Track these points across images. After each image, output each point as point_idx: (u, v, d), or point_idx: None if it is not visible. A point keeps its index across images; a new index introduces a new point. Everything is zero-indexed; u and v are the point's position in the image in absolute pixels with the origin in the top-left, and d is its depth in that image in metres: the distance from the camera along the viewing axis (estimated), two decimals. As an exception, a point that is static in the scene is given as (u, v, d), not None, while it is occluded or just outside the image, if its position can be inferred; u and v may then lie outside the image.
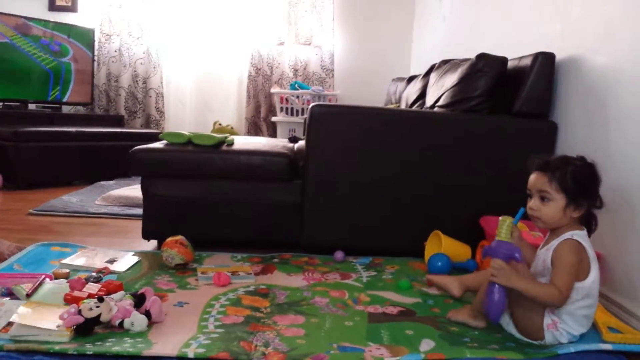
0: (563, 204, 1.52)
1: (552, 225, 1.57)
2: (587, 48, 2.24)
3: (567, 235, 1.53)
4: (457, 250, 2.30)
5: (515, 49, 2.71)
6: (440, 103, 2.71)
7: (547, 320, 1.55)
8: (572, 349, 1.52)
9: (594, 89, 2.17)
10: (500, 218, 1.57)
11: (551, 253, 1.54)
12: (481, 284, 1.71)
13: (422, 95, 3.30)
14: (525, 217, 1.61)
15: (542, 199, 1.55)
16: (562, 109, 2.41)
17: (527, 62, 2.42)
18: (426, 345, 1.55)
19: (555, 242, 1.54)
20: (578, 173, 1.52)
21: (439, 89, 2.80)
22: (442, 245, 2.28)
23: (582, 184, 1.52)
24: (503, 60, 2.51)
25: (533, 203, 1.57)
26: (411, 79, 3.96)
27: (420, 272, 2.27)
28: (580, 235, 1.53)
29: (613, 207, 1.98)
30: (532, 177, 1.58)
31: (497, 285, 1.52)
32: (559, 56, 2.39)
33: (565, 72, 2.39)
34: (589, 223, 1.59)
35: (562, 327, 1.55)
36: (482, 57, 2.51)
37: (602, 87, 2.12)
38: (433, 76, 3.06)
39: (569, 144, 2.32)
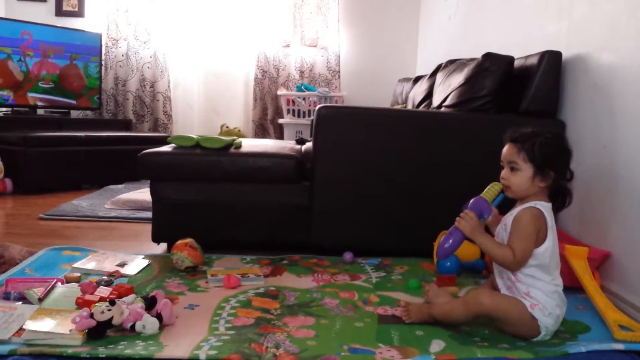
0: (530, 174, 1.59)
1: (520, 194, 1.63)
2: (593, 46, 2.23)
3: (531, 203, 1.59)
4: (466, 250, 2.28)
5: (522, 48, 2.71)
6: (447, 103, 2.71)
7: (527, 303, 1.57)
8: (583, 348, 1.52)
9: (602, 87, 2.17)
10: (493, 182, 1.67)
11: (512, 218, 1.60)
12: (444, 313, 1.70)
13: (429, 95, 3.30)
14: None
15: (512, 169, 1.62)
16: (570, 107, 2.40)
17: (534, 60, 2.41)
18: (436, 345, 1.55)
19: (518, 209, 1.61)
20: (545, 145, 1.58)
21: (446, 89, 2.79)
22: (451, 245, 2.28)
23: (549, 155, 1.58)
24: (509, 60, 2.50)
25: (504, 173, 1.65)
26: (417, 79, 3.96)
27: (430, 272, 2.27)
28: (543, 205, 1.59)
29: (622, 204, 1.99)
30: (504, 148, 1.66)
31: (458, 231, 1.62)
32: (565, 54, 2.39)
33: (572, 70, 2.38)
34: (563, 197, 1.64)
35: (534, 296, 1.57)
36: (488, 56, 2.50)
37: (609, 84, 2.11)
38: (439, 76, 3.06)
39: (577, 141, 2.31)
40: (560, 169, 1.60)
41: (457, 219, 1.63)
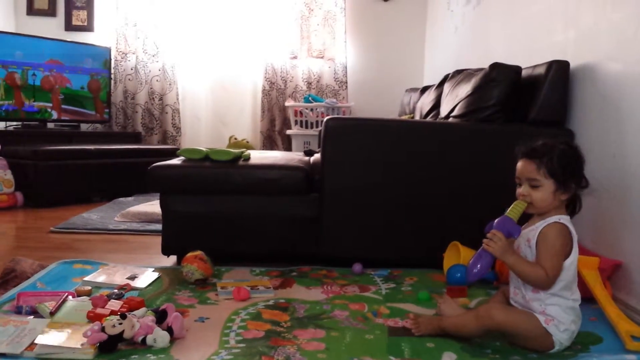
0: (553, 189, 1.56)
1: (543, 209, 1.59)
2: (601, 55, 2.23)
3: (555, 218, 1.57)
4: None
5: (529, 57, 2.71)
6: (454, 113, 2.71)
7: (541, 318, 1.55)
8: (595, 359, 1.51)
9: (610, 96, 2.16)
10: (517, 201, 1.61)
11: (537, 234, 1.57)
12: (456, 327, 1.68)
13: (436, 105, 3.30)
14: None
15: (532, 185, 1.59)
16: (578, 116, 2.40)
17: (541, 70, 2.41)
18: (448, 358, 1.54)
19: (541, 224, 1.58)
20: (564, 157, 1.56)
21: (453, 99, 2.80)
22: (460, 256, 2.27)
23: (568, 167, 1.56)
24: (517, 70, 2.50)
25: (524, 189, 1.61)
26: (425, 89, 3.96)
27: (440, 283, 2.26)
28: (566, 219, 1.58)
29: (633, 213, 1.98)
30: (520, 165, 1.63)
31: (487, 254, 1.57)
32: (573, 64, 2.38)
33: (580, 80, 2.38)
34: (573, 204, 1.63)
35: (550, 313, 1.55)
36: (495, 66, 2.50)
37: (617, 94, 2.11)
38: (447, 86, 3.07)
39: (586, 150, 2.27)
40: (579, 179, 1.58)
41: (485, 241, 1.57)
